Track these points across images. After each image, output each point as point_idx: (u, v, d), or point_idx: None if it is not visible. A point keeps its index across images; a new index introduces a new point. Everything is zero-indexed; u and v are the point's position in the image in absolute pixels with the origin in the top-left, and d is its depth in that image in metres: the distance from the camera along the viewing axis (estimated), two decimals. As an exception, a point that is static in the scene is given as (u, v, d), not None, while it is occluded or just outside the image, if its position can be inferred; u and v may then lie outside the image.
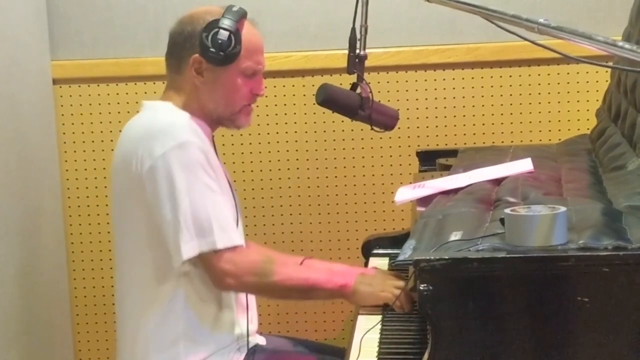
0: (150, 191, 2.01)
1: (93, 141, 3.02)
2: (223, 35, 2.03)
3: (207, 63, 2.06)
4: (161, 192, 1.99)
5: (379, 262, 2.41)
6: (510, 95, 2.95)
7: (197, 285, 2.06)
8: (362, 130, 2.53)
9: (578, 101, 2.93)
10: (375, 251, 2.48)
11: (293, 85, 2.97)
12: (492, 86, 2.95)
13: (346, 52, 2.13)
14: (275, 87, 2.95)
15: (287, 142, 3.00)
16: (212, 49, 2.03)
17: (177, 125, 2.04)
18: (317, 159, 3.00)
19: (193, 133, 2.03)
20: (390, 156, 2.99)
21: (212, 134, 2.17)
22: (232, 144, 2.97)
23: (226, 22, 2.04)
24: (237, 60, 2.06)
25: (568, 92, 2.94)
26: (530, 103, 2.95)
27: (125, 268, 2.15)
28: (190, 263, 2.02)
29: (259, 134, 2.98)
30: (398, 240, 2.34)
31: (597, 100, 2.70)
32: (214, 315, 2.10)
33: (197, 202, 1.98)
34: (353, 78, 2.15)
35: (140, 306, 2.10)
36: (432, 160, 2.66)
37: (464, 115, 2.97)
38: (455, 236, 1.60)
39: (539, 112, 2.95)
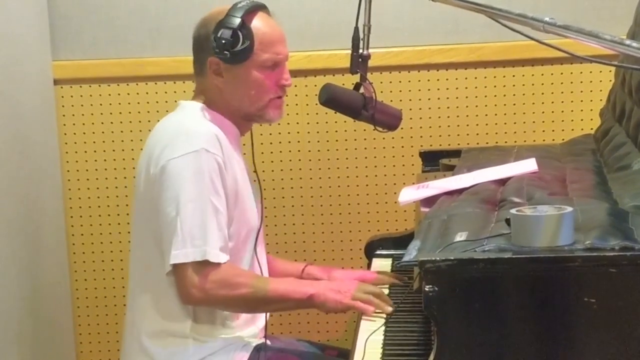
0: (158, 191, 2.02)
1: (94, 141, 3.01)
2: (226, 34, 2.02)
3: (223, 63, 2.06)
4: (167, 194, 2.00)
5: (382, 263, 2.41)
6: (514, 95, 2.94)
7: None
8: (365, 130, 2.53)
9: (582, 101, 2.92)
10: (378, 252, 2.48)
11: (295, 86, 2.94)
12: (495, 86, 2.94)
13: (349, 51, 2.12)
14: (277, 87, 2.94)
15: (289, 142, 2.99)
16: (226, 47, 2.03)
17: (199, 132, 2.05)
18: (319, 159, 2.99)
19: (214, 143, 2.03)
20: (393, 156, 2.98)
21: (242, 135, 2.18)
22: (234, 145, 2.96)
23: (229, 20, 2.03)
24: (253, 54, 2.06)
25: (572, 92, 2.93)
26: (533, 103, 2.94)
27: (136, 268, 2.16)
28: (173, 273, 2.01)
29: (261, 134, 2.97)
30: (401, 241, 2.34)
31: (601, 100, 2.69)
32: (221, 313, 2.11)
33: (198, 213, 1.99)
34: (356, 78, 2.14)
35: (149, 303, 2.10)
36: (435, 161, 2.65)
37: (468, 116, 2.96)
38: (460, 237, 1.59)
39: (543, 112, 2.94)
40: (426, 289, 1.46)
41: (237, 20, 2.03)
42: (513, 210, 1.52)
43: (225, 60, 2.04)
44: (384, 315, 1.96)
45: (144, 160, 2.11)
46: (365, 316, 2.00)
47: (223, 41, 2.02)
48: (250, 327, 2.16)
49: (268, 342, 2.20)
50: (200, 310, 2.08)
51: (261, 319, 2.18)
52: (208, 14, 2.12)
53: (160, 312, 2.08)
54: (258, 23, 2.07)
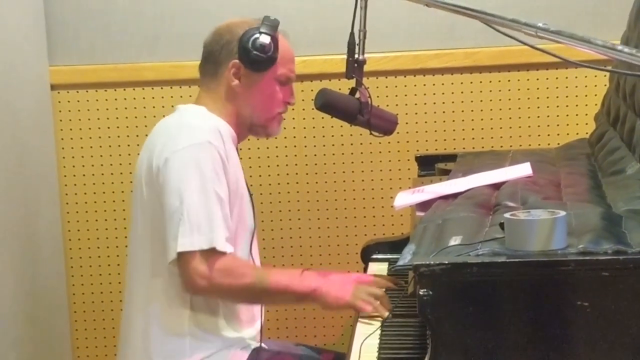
0: (162, 182, 2.04)
1: (91, 146, 3.01)
2: (265, 39, 2.09)
3: (245, 68, 2.12)
4: (171, 185, 2.03)
5: (378, 267, 2.41)
6: (509, 99, 2.95)
7: None
8: (361, 135, 2.54)
9: (577, 105, 2.93)
10: (374, 256, 2.48)
11: (292, 90, 2.96)
12: (490, 91, 2.95)
13: (345, 56, 2.13)
14: (273, 92, 2.95)
15: (285, 146, 2.99)
16: (255, 53, 2.09)
17: (201, 126, 2.09)
18: (316, 164, 3.00)
19: (217, 136, 2.07)
20: (389, 161, 2.99)
21: (238, 144, 2.21)
22: (231, 149, 2.96)
23: (266, 29, 2.11)
24: (274, 66, 2.13)
25: (567, 97, 2.94)
26: (529, 107, 2.95)
27: (135, 264, 2.17)
28: (175, 264, 2.02)
29: (257, 138, 2.97)
30: (397, 245, 2.34)
31: (596, 105, 2.70)
32: (219, 313, 2.12)
33: (203, 202, 2.01)
34: (352, 83, 2.15)
35: (146, 302, 2.11)
36: (431, 165, 2.66)
37: (463, 120, 2.96)
38: (454, 241, 1.60)
39: (538, 117, 2.95)
40: (420, 293, 1.46)
41: (273, 30, 2.11)
42: (507, 215, 1.53)
43: (252, 64, 2.10)
44: (380, 318, 1.97)
45: (144, 158, 2.13)
46: (363, 317, 2.00)
47: (261, 45, 2.08)
48: (249, 329, 2.16)
49: (264, 345, 2.21)
50: (198, 309, 2.09)
51: (258, 320, 2.19)
52: (229, 23, 2.18)
53: (157, 312, 2.09)
54: (280, 40, 2.15)
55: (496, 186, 2.03)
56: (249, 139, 2.92)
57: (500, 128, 2.96)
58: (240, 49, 2.10)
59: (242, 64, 2.12)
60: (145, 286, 2.12)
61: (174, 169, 2.03)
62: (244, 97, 2.16)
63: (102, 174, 3.02)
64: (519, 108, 2.96)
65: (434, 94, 2.96)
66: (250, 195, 2.20)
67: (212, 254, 2.00)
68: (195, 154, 2.03)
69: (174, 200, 2.01)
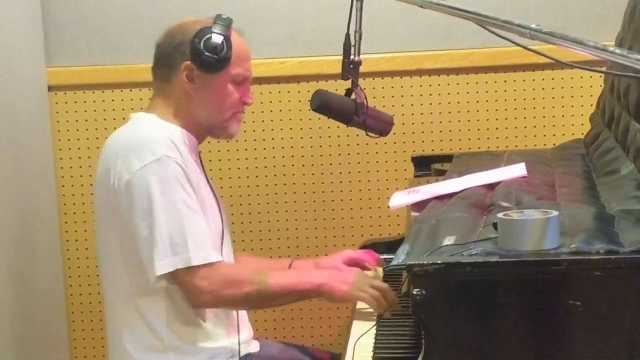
0: (127, 206, 2.01)
1: (88, 148, 3.01)
2: (217, 39, 2.04)
3: (198, 70, 2.07)
4: (138, 207, 1.99)
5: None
6: (505, 100, 2.96)
7: (178, 298, 2.05)
8: (357, 135, 2.55)
9: (572, 106, 2.94)
10: (371, 256, 2.48)
11: (288, 91, 2.97)
12: (486, 91, 2.96)
13: (341, 57, 2.14)
14: (270, 93, 2.96)
15: (282, 148, 3.00)
16: (206, 54, 2.04)
17: (156, 139, 2.04)
18: (312, 165, 3.00)
19: (172, 148, 2.03)
20: (386, 162, 2.99)
21: (199, 145, 2.17)
22: (228, 150, 2.97)
23: (218, 29, 2.05)
24: (228, 66, 2.07)
25: (562, 97, 2.95)
26: (524, 108, 2.96)
27: (107, 281, 2.15)
28: (166, 280, 2.01)
29: (254, 140, 2.99)
30: (393, 246, 2.34)
31: (591, 105, 2.71)
32: (200, 326, 2.09)
33: (173, 219, 1.98)
34: (348, 84, 2.16)
35: (123, 318, 2.10)
36: (427, 166, 2.67)
37: (459, 121, 2.97)
38: (448, 241, 1.61)
39: (534, 117, 2.96)
40: (414, 293, 1.47)
41: (225, 30, 2.06)
42: (500, 215, 1.54)
43: (204, 65, 2.05)
44: (377, 315, 1.97)
45: (101, 174, 2.09)
46: (360, 314, 2.00)
47: (214, 45, 2.03)
48: (232, 338, 2.13)
49: (258, 347, 2.21)
50: (175, 323, 2.06)
51: (244, 328, 2.17)
52: (181, 23, 2.14)
53: (134, 330, 2.07)
54: (234, 38, 2.10)
55: (491, 186, 2.04)
56: (245, 140, 2.96)
57: (496, 129, 2.97)
58: (192, 50, 2.05)
59: (194, 66, 2.06)
60: (119, 308, 2.10)
61: (138, 191, 1.99)
62: (199, 99, 2.10)
63: (100, 175, 3.02)
64: (515, 109, 2.96)
65: (430, 94, 2.97)
66: (216, 197, 2.17)
67: (200, 268, 1.98)
68: (156, 171, 1.99)
69: (144, 224, 1.98)
